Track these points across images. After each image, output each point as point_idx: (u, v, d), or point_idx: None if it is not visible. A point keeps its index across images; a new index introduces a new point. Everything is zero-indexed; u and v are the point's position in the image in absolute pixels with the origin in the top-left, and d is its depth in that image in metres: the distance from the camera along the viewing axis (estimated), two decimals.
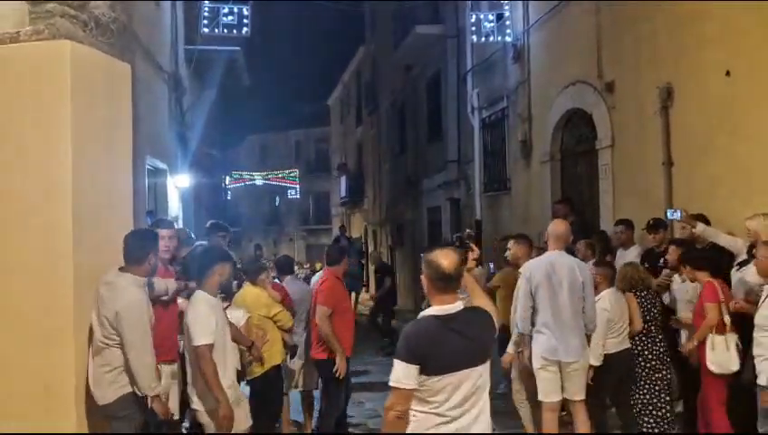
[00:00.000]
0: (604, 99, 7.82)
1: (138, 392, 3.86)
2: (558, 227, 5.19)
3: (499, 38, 10.71)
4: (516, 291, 5.28)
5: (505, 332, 7.34)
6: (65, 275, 3.86)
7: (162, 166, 8.75)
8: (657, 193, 6.70)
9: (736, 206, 5.50)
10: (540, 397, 4.94)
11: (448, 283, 2.89)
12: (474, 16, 11.09)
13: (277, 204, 40.61)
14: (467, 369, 2.83)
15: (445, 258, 2.89)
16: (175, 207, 9.52)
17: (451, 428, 2.81)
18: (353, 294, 14.93)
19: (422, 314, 2.98)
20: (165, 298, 4.42)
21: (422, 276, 2.97)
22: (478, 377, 2.87)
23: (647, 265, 5.88)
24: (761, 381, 4.19)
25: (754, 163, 5.51)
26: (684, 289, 5.38)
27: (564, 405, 5.09)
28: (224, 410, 3.94)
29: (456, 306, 2.90)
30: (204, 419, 4.14)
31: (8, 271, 3.89)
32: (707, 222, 5.40)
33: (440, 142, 14.51)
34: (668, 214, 5.67)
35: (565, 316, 4.86)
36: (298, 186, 35.79)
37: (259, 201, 39.42)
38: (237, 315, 4.97)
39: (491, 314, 3.07)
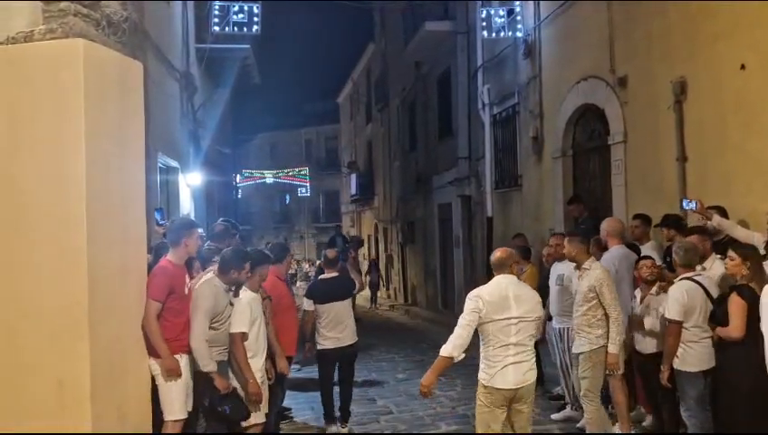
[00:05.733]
0: (617, 94, 7.76)
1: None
2: (615, 224, 5.76)
3: (510, 33, 10.68)
4: (576, 287, 5.47)
5: None
6: (79, 271, 3.86)
7: (174, 164, 8.79)
8: (670, 189, 6.65)
9: (751, 201, 5.45)
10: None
11: (331, 264, 6.30)
12: (484, 12, 11.03)
13: (287, 202, 40.72)
14: (334, 302, 6.03)
15: (330, 253, 6.44)
16: (186, 204, 9.56)
17: (336, 330, 6.03)
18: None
19: (318, 277, 6.36)
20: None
21: (320, 260, 5.96)
22: (341, 306, 6.10)
23: (668, 260, 5.82)
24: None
25: None
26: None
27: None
28: (252, 387, 4.70)
29: (333, 274, 6.24)
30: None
31: (22, 267, 3.91)
32: (725, 214, 5.34)
33: (451, 139, 14.47)
34: (684, 204, 5.58)
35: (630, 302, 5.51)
36: (308, 184, 35.86)
37: (270, 199, 39.55)
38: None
39: (354, 280, 6.72)
